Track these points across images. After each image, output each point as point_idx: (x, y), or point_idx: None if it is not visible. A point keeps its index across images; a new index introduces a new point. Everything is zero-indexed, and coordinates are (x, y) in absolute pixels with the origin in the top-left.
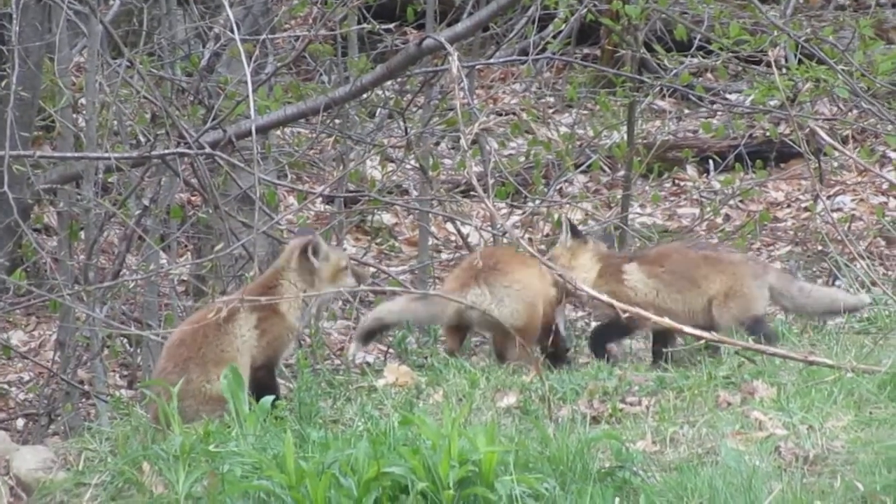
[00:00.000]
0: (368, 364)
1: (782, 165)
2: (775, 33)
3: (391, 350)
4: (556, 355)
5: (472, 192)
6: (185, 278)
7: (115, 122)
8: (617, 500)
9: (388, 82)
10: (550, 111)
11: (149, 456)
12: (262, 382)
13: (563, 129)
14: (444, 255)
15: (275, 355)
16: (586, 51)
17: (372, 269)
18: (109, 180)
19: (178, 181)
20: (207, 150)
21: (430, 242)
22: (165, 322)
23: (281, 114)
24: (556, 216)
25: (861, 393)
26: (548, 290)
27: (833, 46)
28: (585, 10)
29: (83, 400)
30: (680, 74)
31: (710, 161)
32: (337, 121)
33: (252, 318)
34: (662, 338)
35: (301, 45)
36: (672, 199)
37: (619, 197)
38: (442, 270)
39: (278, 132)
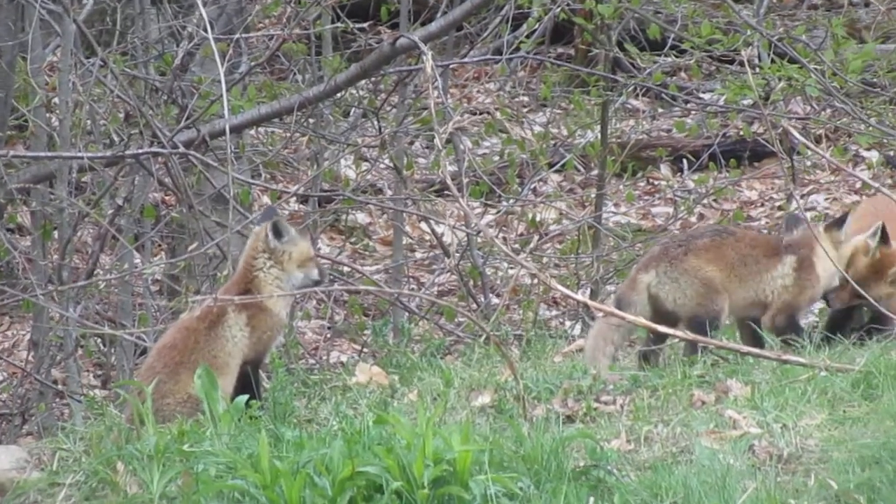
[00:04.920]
0: (343, 363)
1: (756, 164)
2: (748, 32)
3: (365, 349)
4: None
5: (446, 192)
6: (159, 278)
7: (89, 122)
8: (591, 499)
9: (362, 81)
10: (524, 110)
11: (123, 456)
12: (245, 380)
13: (537, 129)
14: (418, 255)
15: (264, 351)
16: (560, 50)
17: (347, 269)
18: (83, 180)
19: (151, 181)
20: (181, 149)
21: (404, 242)
22: (139, 322)
23: (255, 113)
24: (530, 215)
25: (835, 391)
26: None
27: (805, 45)
28: (559, 9)
29: (57, 400)
30: (653, 73)
31: (684, 160)
32: (311, 120)
33: (242, 318)
34: None
35: (275, 45)
36: (646, 198)
37: (593, 196)
38: (416, 269)
39: (252, 131)
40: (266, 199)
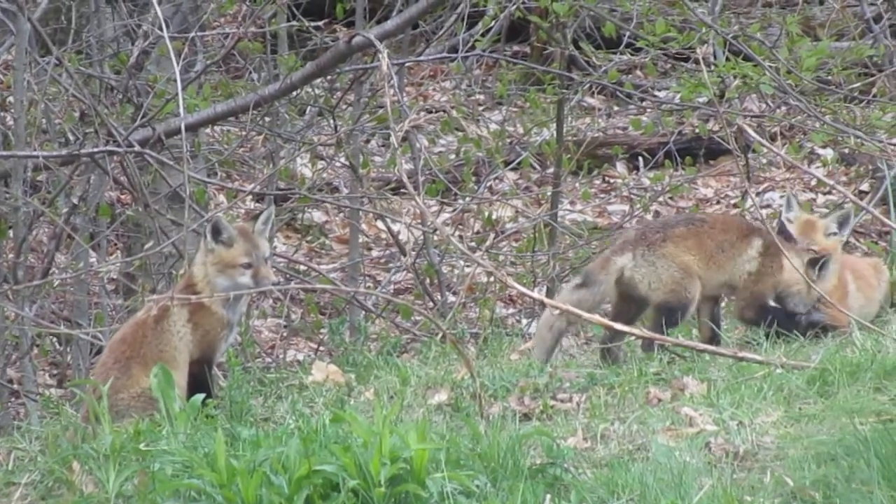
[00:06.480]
0: (299, 362)
1: (711, 162)
2: (703, 30)
3: (322, 348)
4: None
5: (402, 190)
6: (115, 277)
7: (44, 121)
8: (548, 496)
9: (318, 80)
10: (480, 108)
11: (79, 455)
12: (198, 378)
13: (493, 127)
14: (374, 253)
15: (209, 349)
16: (516, 48)
17: (303, 267)
18: (38, 179)
19: (107, 179)
20: (136, 148)
21: (360, 240)
22: (95, 321)
23: (210, 112)
24: (486, 213)
25: (790, 388)
26: None
27: (760, 43)
28: (514, 7)
29: (12, 399)
30: (609, 71)
31: (640, 158)
32: (267, 119)
33: (184, 313)
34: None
35: (230, 43)
36: (602, 195)
37: (549, 194)
38: (372, 268)
39: (208, 130)
40: (222, 198)
